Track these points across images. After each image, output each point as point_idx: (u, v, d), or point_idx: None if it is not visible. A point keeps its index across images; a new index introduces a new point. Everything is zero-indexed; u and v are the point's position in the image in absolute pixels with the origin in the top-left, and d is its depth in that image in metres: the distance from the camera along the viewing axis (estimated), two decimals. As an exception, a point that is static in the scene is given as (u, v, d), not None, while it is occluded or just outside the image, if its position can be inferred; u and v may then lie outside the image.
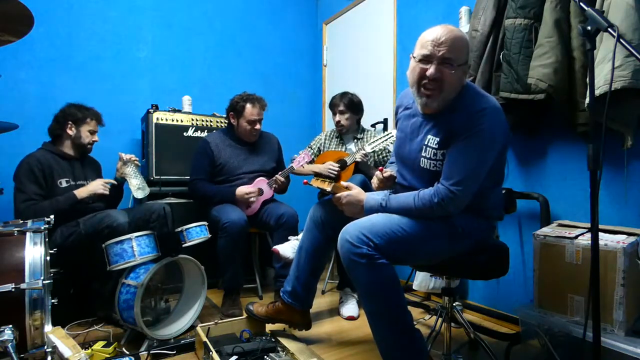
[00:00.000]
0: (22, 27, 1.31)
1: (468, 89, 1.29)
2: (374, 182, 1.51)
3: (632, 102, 1.46)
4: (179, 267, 1.93)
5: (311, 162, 2.37)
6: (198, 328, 1.60)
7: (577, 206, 1.75)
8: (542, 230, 1.60)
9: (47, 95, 2.50)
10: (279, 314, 1.66)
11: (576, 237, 1.46)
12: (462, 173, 1.20)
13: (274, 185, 2.33)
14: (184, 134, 2.59)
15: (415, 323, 1.25)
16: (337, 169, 2.27)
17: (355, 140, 2.45)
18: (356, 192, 1.40)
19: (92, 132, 2.08)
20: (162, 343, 1.65)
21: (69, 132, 2.01)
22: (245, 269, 2.37)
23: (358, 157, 2.22)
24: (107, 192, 1.97)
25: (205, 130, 2.65)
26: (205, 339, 1.51)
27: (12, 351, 1.16)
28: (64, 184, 1.96)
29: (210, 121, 2.69)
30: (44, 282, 1.29)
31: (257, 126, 2.37)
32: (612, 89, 1.33)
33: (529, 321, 1.55)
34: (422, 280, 2.24)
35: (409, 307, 1.25)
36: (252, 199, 2.26)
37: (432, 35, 1.21)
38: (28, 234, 1.38)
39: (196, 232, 1.87)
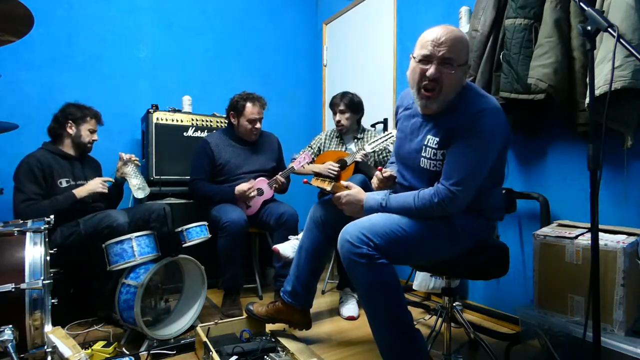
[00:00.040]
0: (22, 27, 1.31)
1: (468, 89, 1.28)
2: (374, 182, 1.51)
3: (632, 102, 1.46)
4: (179, 267, 1.93)
5: (311, 162, 2.37)
6: (198, 328, 1.60)
7: (577, 206, 1.75)
8: (542, 230, 1.60)
9: (47, 95, 2.50)
10: (279, 314, 1.66)
11: (576, 237, 1.46)
12: (462, 173, 1.20)
13: (274, 185, 2.33)
14: (184, 134, 2.59)
15: (415, 323, 1.25)
16: (336, 169, 2.27)
17: (356, 140, 2.45)
18: (356, 191, 1.40)
19: (92, 131, 2.08)
20: (162, 343, 1.65)
21: (69, 131, 2.01)
22: (245, 269, 2.37)
23: (358, 157, 2.22)
24: (106, 191, 1.97)
25: (205, 130, 2.65)
26: (205, 339, 1.51)
27: (12, 351, 1.16)
28: (64, 184, 1.96)
29: (210, 121, 2.69)
30: (44, 282, 1.29)
31: (258, 125, 2.37)
32: (612, 89, 1.33)
33: (529, 321, 1.55)
34: (422, 280, 2.24)
35: (409, 307, 1.25)
36: (252, 194, 2.25)
37: (432, 36, 1.21)
38: (28, 234, 1.38)
39: (196, 232, 1.87)
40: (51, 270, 1.44)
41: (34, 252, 1.34)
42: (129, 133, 2.81)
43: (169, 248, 1.73)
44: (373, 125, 2.83)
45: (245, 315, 1.74)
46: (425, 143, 1.30)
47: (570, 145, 1.77)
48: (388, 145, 2.19)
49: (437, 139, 1.27)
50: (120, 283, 1.69)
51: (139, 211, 2.00)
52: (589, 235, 1.45)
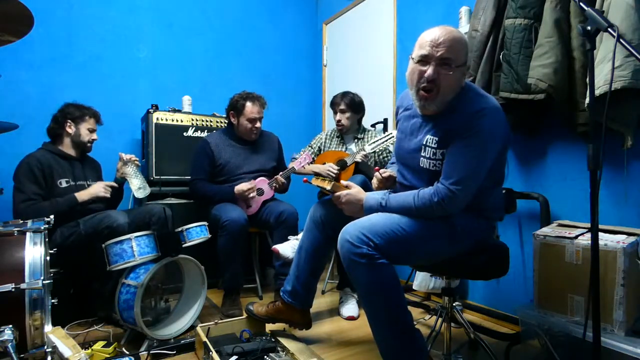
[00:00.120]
0: (22, 27, 1.31)
1: (468, 89, 1.29)
2: (374, 182, 1.51)
3: (632, 102, 1.45)
4: (179, 267, 1.93)
5: (311, 162, 2.37)
6: (198, 328, 1.60)
7: (577, 206, 1.75)
8: (542, 230, 1.60)
9: (47, 95, 2.50)
10: (279, 314, 1.66)
11: (576, 237, 1.46)
12: (462, 172, 1.20)
13: (274, 185, 2.33)
14: (184, 134, 2.59)
15: (415, 323, 1.25)
16: (336, 171, 2.28)
17: (356, 140, 2.45)
18: (356, 191, 1.40)
19: (92, 131, 2.08)
20: (162, 343, 1.65)
21: (69, 130, 2.02)
22: (245, 269, 2.37)
23: (358, 158, 2.22)
24: (108, 195, 1.99)
25: (205, 130, 2.65)
26: (205, 339, 1.51)
27: (12, 351, 1.16)
28: (64, 184, 1.96)
29: (210, 121, 2.69)
30: (44, 282, 1.29)
31: (258, 124, 2.37)
32: (612, 89, 1.33)
33: (529, 321, 1.55)
34: (422, 280, 2.24)
35: (409, 307, 1.25)
36: (251, 195, 2.25)
37: (430, 36, 1.21)
38: (28, 234, 1.38)
39: (196, 232, 1.87)
40: (51, 270, 1.44)
41: (34, 252, 1.34)
42: (129, 133, 2.81)
43: (169, 248, 1.73)
44: (373, 125, 2.83)
45: (245, 315, 1.74)
46: (425, 143, 1.30)
47: (570, 145, 1.77)
48: (388, 145, 2.20)
49: (437, 139, 1.27)
50: (120, 283, 1.69)
51: (139, 213, 2.00)
52: (589, 235, 1.45)
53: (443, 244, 1.27)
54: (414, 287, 2.30)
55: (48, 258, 1.41)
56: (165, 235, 1.78)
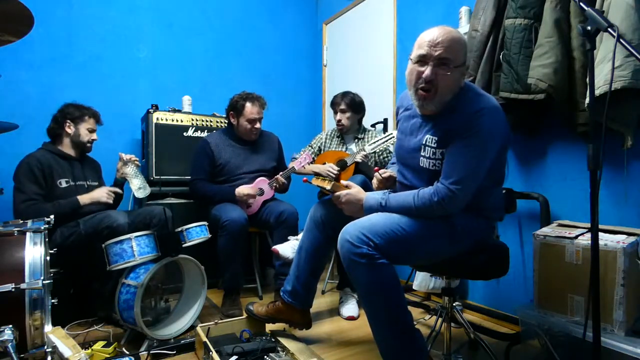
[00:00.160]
0: (22, 27, 1.31)
1: (467, 89, 1.29)
2: (374, 182, 1.52)
3: (632, 102, 1.45)
4: (179, 267, 1.93)
5: (312, 162, 2.37)
6: (198, 328, 1.60)
7: (577, 206, 1.75)
8: (542, 230, 1.60)
9: (47, 95, 2.50)
10: (279, 314, 1.66)
11: (576, 237, 1.46)
12: (461, 172, 1.20)
13: (274, 185, 2.33)
14: (184, 134, 2.59)
15: (415, 323, 1.25)
16: (336, 171, 2.28)
17: (356, 140, 2.45)
18: (355, 191, 1.40)
19: (91, 131, 2.08)
20: (162, 343, 1.65)
21: (68, 130, 2.02)
22: (245, 269, 2.37)
23: (358, 158, 2.22)
24: (110, 201, 1.99)
25: (205, 130, 2.65)
26: (205, 339, 1.51)
27: (12, 351, 1.16)
28: (64, 184, 1.96)
29: (210, 121, 2.69)
30: (44, 282, 1.29)
31: (257, 125, 2.37)
32: (612, 89, 1.33)
33: (529, 321, 1.55)
34: (422, 280, 2.24)
35: (409, 307, 1.25)
36: (250, 201, 2.25)
37: (428, 36, 1.22)
38: (28, 234, 1.38)
39: (196, 232, 1.87)
40: (51, 270, 1.44)
41: (34, 252, 1.34)
42: (129, 133, 2.81)
43: (169, 248, 1.73)
44: (373, 125, 2.83)
45: (245, 315, 1.74)
46: (425, 142, 1.30)
47: (570, 145, 1.77)
48: (388, 146, 2.20)
49: (436, 138, 1.27)
50: (120, 283, 1.69)
51: (139, 214, 2.00)
52: (589, 235, 1.45)
53: (443, 243, 1.27)
54: (414, 287, 2.30)
55: (48, 258, 1.41)
56: (165, 235, 1.78)
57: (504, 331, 1.88)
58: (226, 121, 2.50)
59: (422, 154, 1.31)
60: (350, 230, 1.19)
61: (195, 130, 2.63)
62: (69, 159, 2.04)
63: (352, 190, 1.40)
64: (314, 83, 3.70)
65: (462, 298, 2.23)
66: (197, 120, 2.65)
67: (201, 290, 1.87)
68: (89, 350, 1.51)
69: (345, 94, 2.40)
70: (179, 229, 1.84)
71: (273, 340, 1.64)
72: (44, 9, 2.49)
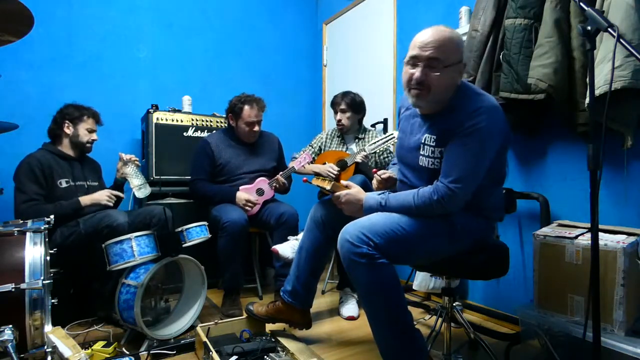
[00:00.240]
0: (22, 27, 1.31)
1: (466, 89, 1.29)
2: (374, 183, 1.52)
3: (632, 102, 1.46)
4: (179, 267, 1.93)
5: (312, 161, 2.37)
6: (198, 328, 1.60)
7: (577, 206, 1.75)
8: (542, 230, 1.60)
9: (47, 95, 2.50)
10: (279, 314, 1.66)
11: (576, 237, 1.46)
12: (461, 171, 1.20)
13: (274, 185, 2.33)
14: (184, 134, 2.59)
15: (415, 323, 1.25)
16: (336, 172, 2.28)
17: (357, 140, 2.45)
18: (355, 191, 1.40)
19: (91, 131, 2.08)
20: (162, 343, 1.65)
21: (67, 131, 2.02)
22: (245, 269, 2.37)
23: (359, 158, 2.22)
24: (111, 204, 1.99)
25: (205, 130, 2.65)
26: (205, 339, 1.51)
27: (12, 351, 1.16)
28: (64, 184, 1.96)
29: (210, 121, 2.69)
30: (44, 282, 1.29)
31: (256, 128, 2.36)
32: (612, 89, 1.33)
33: (529, 321, 1.55)
34: (422, 280, 2.24)
35: (409, 307, 1.25)
36: (247, 208, 2.25)
37: (420, 38, 1.24)
38: (28, 234, 1.38)
39: (196, 232, 1.87)
40: (51, 270, 1.44)
41: (34, 252, 1.34)
42: (129, 133, 2.81)
43: (169, 248, 1.73)
44: (373, 125, 2.83)
45: (245, 315, 1.74)
46: (423, 141, 1.31)
47: (570, 145, 1.77)
48: (389, 146, 2.19)
49: (435, 137, 1.28)
50: (120, 283, 1.69)
51: (139, 214, 2.00)
52: (589, 235, 1.45)
53: (443, 242, 1.27)
54: (414, 287, 2.30)
55: (48, 258, 1.41)
56: (165, 235, 1.78)
57: (504, 331, 1.88)
58: (226, 121, 2.50)
59: (422, 152, 1.31)
60: (350, 230, 1.19)
61: (195, 130, 2.63)
62: (69, 159, 2.04)
63: (352, 190, 1.40)
64: (314, 83, 3.70)
65: (462, 298, 2.23)
66: (197, 120, 2.65)
67: (201, 290, 1.87)
68: (89, 350, 1.51)
69: (345, 94, 2.40)
70: (179, 229, 1.84)
71: (273, 340, 1.64)
72: (44, 9, 2.49)
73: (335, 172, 2.27)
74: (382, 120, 2.84)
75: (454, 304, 1.52)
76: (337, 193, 1.41)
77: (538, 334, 1.51)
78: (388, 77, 2.85)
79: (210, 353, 1.39)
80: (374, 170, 1.49)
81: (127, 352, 1.60)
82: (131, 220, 1.89)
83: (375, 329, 1.24)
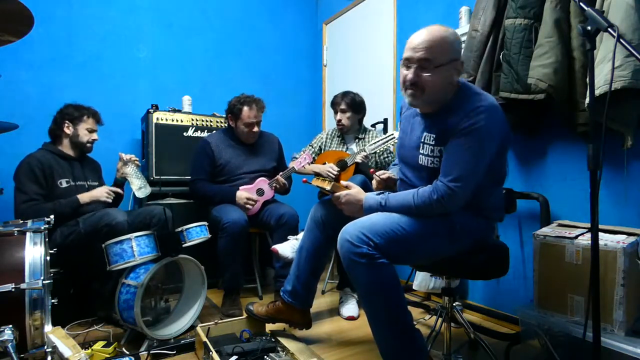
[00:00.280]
0: (22, 27, 1.31)
1: (465, 88, 1.29)
2: (374, 184, 1.52)
3: (632, 102, 1.46)
4: (179, 267, 1.93)
5: (312, 161, 2.37)
6: (198, 328, 1.60)
7: (577, 206, 1.75)
8: (542, 230, 1.60)
9: (47, 95, 2.50)
10: (279, 314, 1.66)
11: (576, 237, 1.46)
12: (460, 170, 1.20)
13: (274, 185, 2.33)
14: (184, 134, 2.59)
15: (415, 323, 1.25)
16: (336, 172, 2.28)
17: (357, 140, 2.44)
18: (355, 191, 1.40)
19: (91, 131, 2.08)
20: (162, 343, 1.65)
21: (67, 131, 2.02)
22: (245, 269, 2.37)
23: (359, 158, 2.22)
24: (110, 201, 1.99)
25: (205, 130, 2.65)
26: (205, 339, 1.51)
27: (12, 351, 1.16)
28: (64, 184, 1.96)
29: (210, 121, 2.69)
30: (44, 282, 1.29)
31: (255, 129, 2.36)
32: (612, 89, 1.33)
33: (529, 321, 1.55)
34: (422, 280, 2.24)
35: (409, 307, 1.25)
36: (248, 206, 2.25)
37: (412, 39, 1.26)
38: (28, 234, 1.38)
39: (196, 232, 1.87)
40: (51, 270, 1.44)
41: (34, 252, 1.34)
42: (129, 133, 2.81)
43: (169, 248, 1.73)
44: (373, 125, 2.83)
45: (245, 315, 1.74)
46: (423, 140, 1.31)
47: (570, 145, 1.77)
48: (389, 146, 2.19)
49: (434, 136, 1.28)
50: (120, 283, 1.69)
51: (139, 214, 2.01)
52: (589, 235, 1.45)
53: (443, 242, 1.27)
54: (414, 287, 2.30)
55: (48, 258, 1.41)
56: (165, 235, 1.78)
57: (504, 331, 1.88)
58: (226, 121, 2.50)
59: (421, 151, 1.32)
60: (350, 230, 1.20)
61: (195, 130, 2.63)
62: (69, 159, 2.04)
63: (352, 190, 1.40)
64: (314, 83, 3.70)
65: (462, 298, 2.23)
66: (197, 120, 2.65)
67: (201, 290, 1.87)
68: (89, 350, 1.51)
69: (345, 94, 2.40)
70: (179, 229, 1.84)
71: (273, 340, 1.64)
72: (44, 9, 2.49)
73: (335, 173, 2.27)
74: (382, 120, 2.84)
75: (454, 304, 1.52)
76: (337, 193, 1.41)
77: (538, 334, 1.51)
78: (388, 77, 2.85)
79: (210, 353, 1.39)
80: (372, 170, 1.50)
81: (127, 352, 1.60)
82: (131, 220, 1.89)
83: (375, 329, 1.24)
